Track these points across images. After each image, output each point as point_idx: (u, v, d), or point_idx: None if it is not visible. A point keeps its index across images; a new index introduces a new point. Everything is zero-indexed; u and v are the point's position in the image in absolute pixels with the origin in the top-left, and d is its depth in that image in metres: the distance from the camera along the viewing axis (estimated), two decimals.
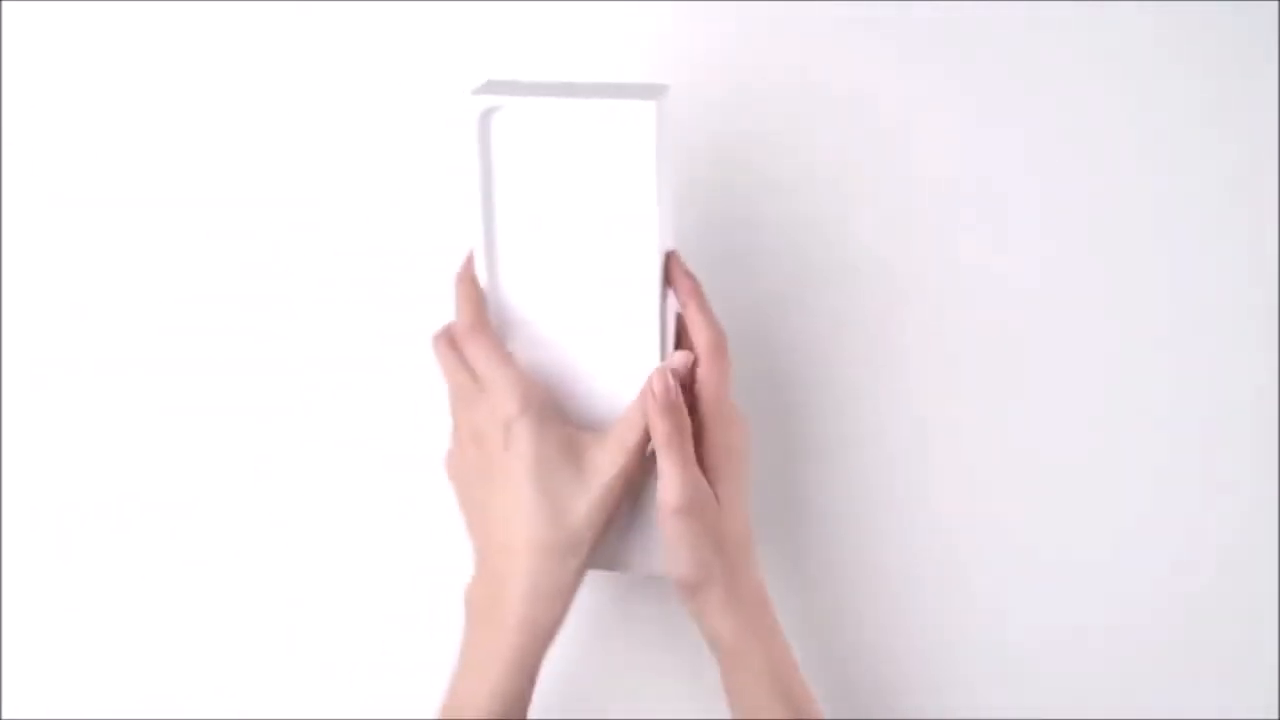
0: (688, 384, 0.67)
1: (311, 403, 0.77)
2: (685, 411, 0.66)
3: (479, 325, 0.66)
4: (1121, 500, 0.77)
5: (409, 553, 0.77)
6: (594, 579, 0.76)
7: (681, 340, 0.69)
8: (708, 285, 0.67)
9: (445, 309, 0.74)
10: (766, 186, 0.75)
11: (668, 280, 0.67)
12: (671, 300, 0.68)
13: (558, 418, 0.66)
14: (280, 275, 0.77)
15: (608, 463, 0.66)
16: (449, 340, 0.67)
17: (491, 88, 0.65)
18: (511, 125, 0.64)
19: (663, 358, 0.67)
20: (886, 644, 0.77)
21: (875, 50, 0.75)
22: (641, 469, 0.67)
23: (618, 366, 0.67)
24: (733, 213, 0.76)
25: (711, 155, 0.75)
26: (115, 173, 0.76)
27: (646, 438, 0.66)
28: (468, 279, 0.67)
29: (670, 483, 0.65)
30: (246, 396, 0.77)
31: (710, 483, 0.66)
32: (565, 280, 0.67)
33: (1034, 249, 0.76)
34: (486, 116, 0.64)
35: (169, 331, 0.77)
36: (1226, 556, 0.77)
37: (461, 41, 0.75)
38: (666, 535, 0.66)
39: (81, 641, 0.78)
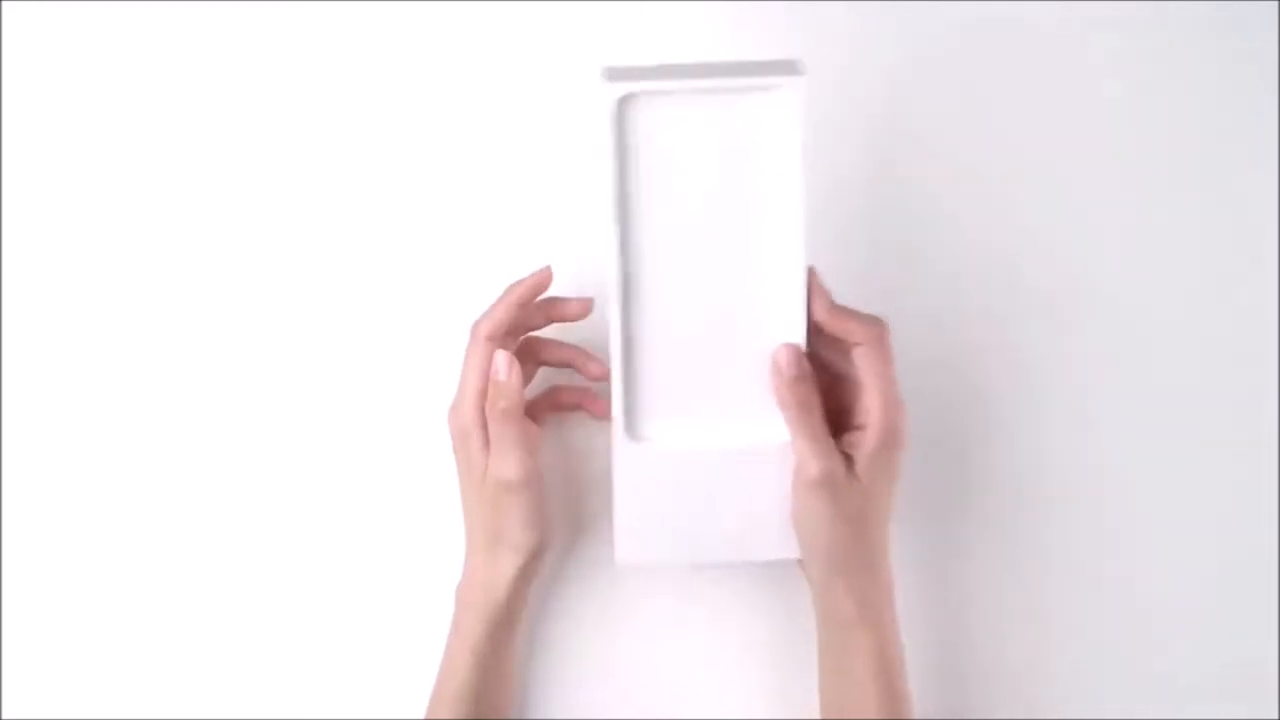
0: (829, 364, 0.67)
1: (311, 403, 0.77)
2: (812, 385, 0.66)
3: (487, 336, 0.69)
4: (1125, 498, 0.77)
5: (409, 552, 0.77)
6: (601, 575, 0.76)
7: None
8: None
9: (440, 310, 0.75)
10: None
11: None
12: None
13: (479, 438, 0.69)
14: (276, 275, 0.77)
15: (507, 469, 0.68)
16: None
17: (619, 74, 0.64)
18: (648, 110, 0.63)
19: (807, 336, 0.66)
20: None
21: (871, 49, 0.75)
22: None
23: (761, 349, 0.66)
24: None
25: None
26: (115, 173, 0.76)
27: (519, 434, 0.68)
28: (514, 296, 0.69)
29: (804, 455, 0.66)
30: (245, 397, 0.77)
31: (858, 463, 0.66)
32: (706, 262, 0.66)
33: (1034, 249, 0.76)
34: (623, 103, 0.63)
35: (168, 331, 0.77)
36: (1228, 557, 0.77)
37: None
38: (801, 508, 0.67)
39: (81, 641, 0.78)
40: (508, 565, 0.70)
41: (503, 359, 0.68)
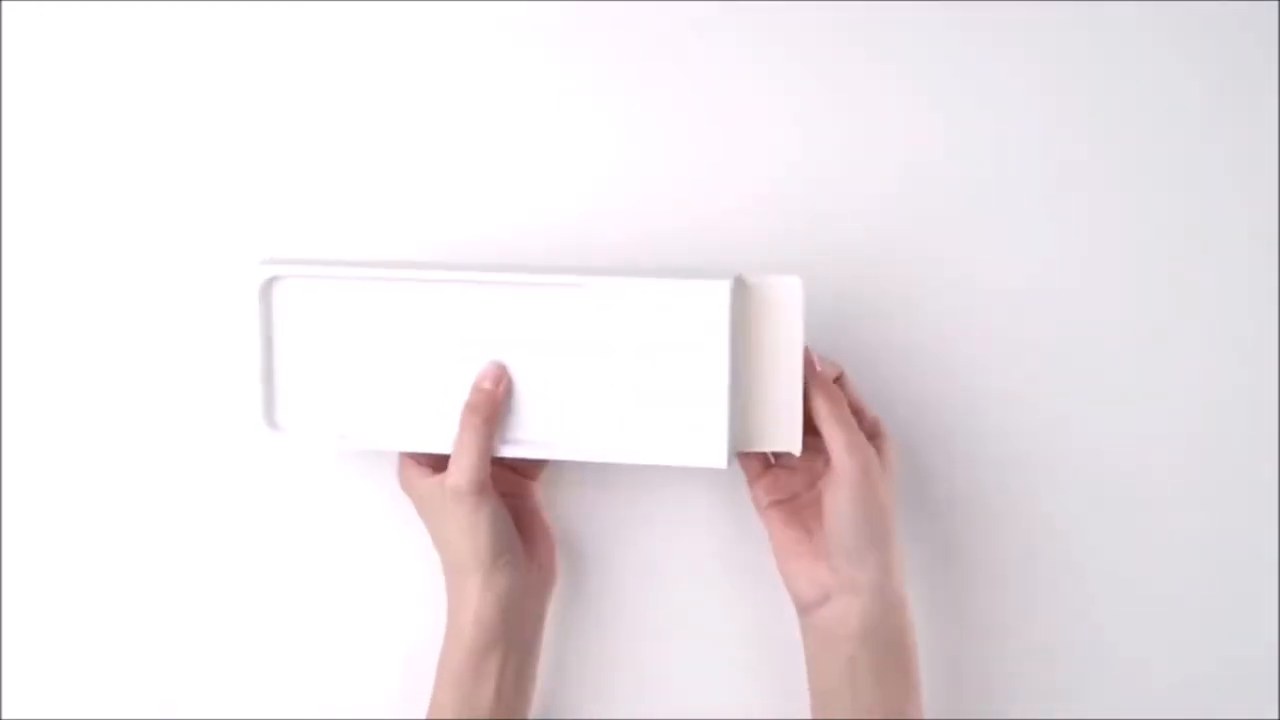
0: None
1: None
2: (836, 388, 0.69)
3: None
4: (1124, 497, 0.77)
5: (409, 553, 0.77)
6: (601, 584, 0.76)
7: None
8: None
9: None
10: None
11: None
12: None
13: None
14: None
15: (460, 481, 0.67)
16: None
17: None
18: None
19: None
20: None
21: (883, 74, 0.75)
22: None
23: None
24: None
25: None
26: (115, 172, 0.76)
27: (482, 443, 0.68)
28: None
29: (839, 446, 0.67)
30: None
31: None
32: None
33: (1033, 245, 0.76)
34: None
35: (167, 331, 0.77)
36: (1228, 556, 0.77)
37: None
38: (837, 506, 0.67)
39: (81, 641, 0.78)
40: (471, 593, 0.69)
41: (491, 371, 0.68)
